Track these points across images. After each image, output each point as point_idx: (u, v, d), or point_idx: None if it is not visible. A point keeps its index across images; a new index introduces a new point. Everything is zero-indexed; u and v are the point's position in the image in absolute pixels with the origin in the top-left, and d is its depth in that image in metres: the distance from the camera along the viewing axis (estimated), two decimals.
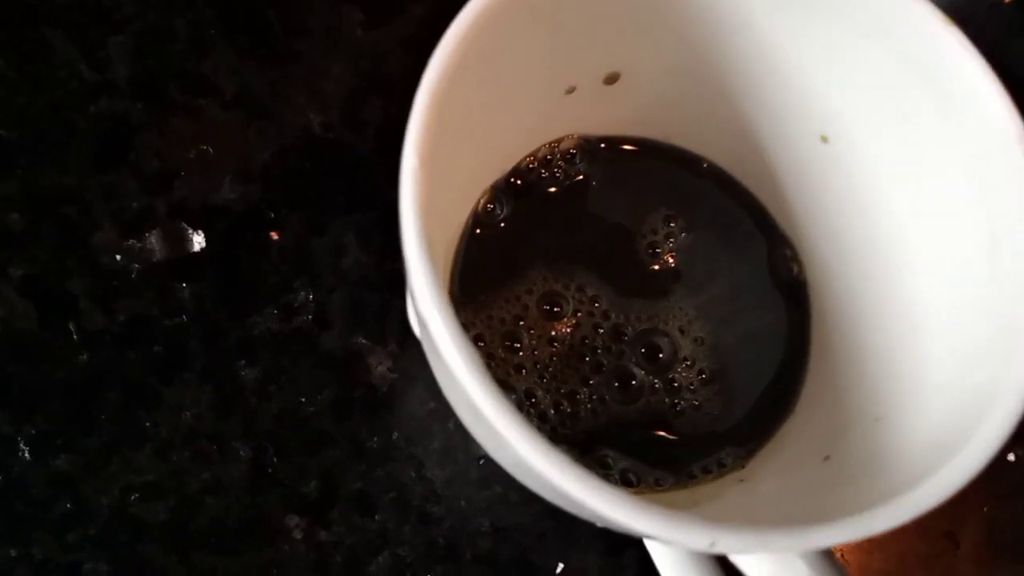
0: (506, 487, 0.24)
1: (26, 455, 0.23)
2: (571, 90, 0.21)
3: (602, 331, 0.21)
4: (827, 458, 0.19)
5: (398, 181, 0.15)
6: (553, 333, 0.21)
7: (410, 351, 0.25)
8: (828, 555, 0.16)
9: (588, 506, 0.13)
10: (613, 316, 0.21)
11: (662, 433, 0.21)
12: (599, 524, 0.17)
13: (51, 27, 0.28)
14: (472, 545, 0.24)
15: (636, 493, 0.20)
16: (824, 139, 0.21)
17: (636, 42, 0.21)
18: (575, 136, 0.23)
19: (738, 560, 0.17)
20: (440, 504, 0.24)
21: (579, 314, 0.21)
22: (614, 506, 0.13)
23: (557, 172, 0.23)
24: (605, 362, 0.21)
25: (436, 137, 0.16)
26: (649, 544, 0.21)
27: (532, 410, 0.20)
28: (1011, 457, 0.26)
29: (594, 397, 0.21)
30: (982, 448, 0.15)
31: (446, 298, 0.14)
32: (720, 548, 0.14)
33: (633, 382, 0.21)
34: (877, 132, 0.20)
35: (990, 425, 0.15)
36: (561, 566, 0.24)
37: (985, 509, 0.26)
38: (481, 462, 0.24)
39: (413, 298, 0.15)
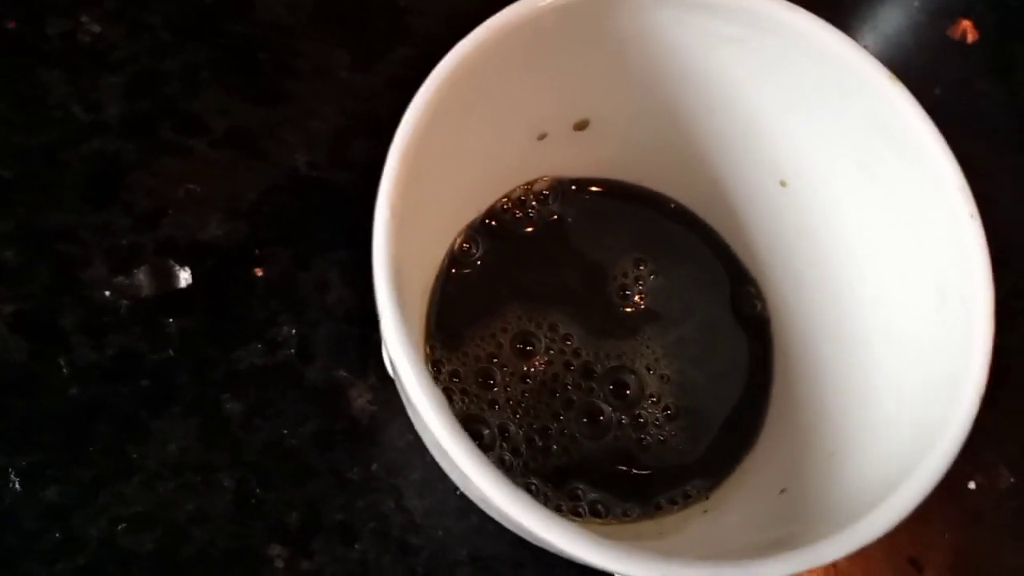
0: (483, 518, 0.25)
1: (17, 486, 0.24)
2: (543, 136, 0.22)
3: (573, 368, 0.22)
4: (784, 491, 0.20)
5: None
6: (526, 370, 0.22)
7: (390, 385, 0.26)
8: None
9: (546, 540, 0.14)
10: (583, 354, 0.22)
11: (629, 467, 0.22)
12: (564, 556, 0.17)
13: (47, 68, 0.29)
14: (450, 574, 0.25)
15: (604, 524, 0.21)
16: (783, 184, 0.22)
17: (604, 91, 0.22)
18: (548, 178, 0.24)
19: None
20: (419, 534, 0.25)
21: (551, 352, 0.22)
22: (571, 541, 0.14)
23: (531, 212, 0.24)
24: (575, 398, 0.22)
25: (409, 187, 0.17)
26: None
27: (505, 444, 0.21)
28: (972, 485, 0.27)
29: (565, 432, 0.22)
30: (919, 485, 0.16)
31: (416, 349, 0.15)
32: None
33: (601, 418, 0.22)
34: (834, 179, 0.21)
35: (928, 464, 0.16)
36: None
37: (948, 535, 0.27)
38: (459, 493, 0.25)
39: (386, 346, 0.15)
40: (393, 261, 0.15)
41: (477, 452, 0.14)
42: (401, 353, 0.15)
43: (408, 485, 0.25)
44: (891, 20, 0.33)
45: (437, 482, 0.25)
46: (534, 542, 0.17)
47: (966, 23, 0.33)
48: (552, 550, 0.16)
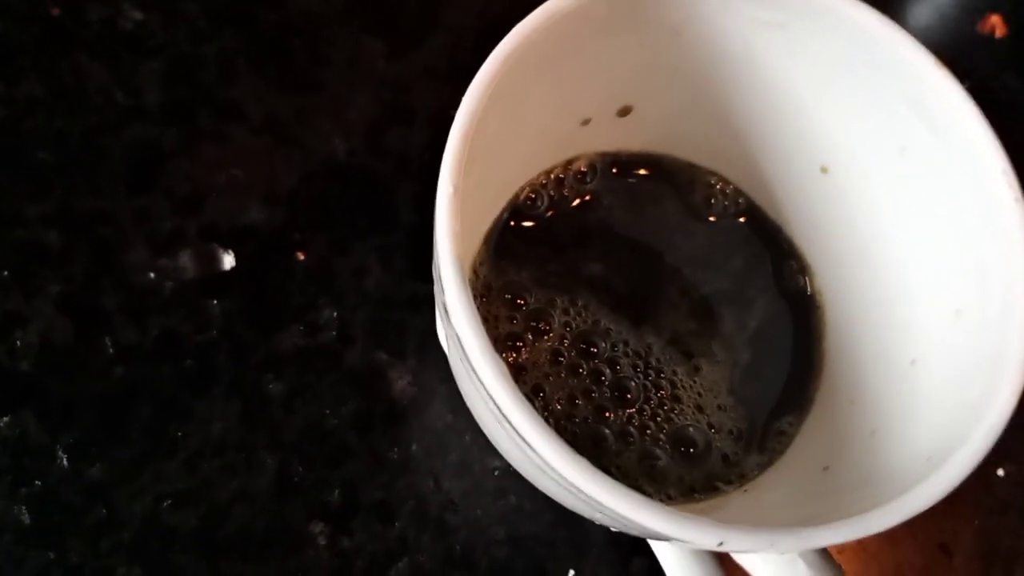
0: (520, 498, 0.25)
1: (63, 463, 0.25)
2: (586, 122, 0.23)
3: (626, 358, 0.22)
4: (826, 468, 0.20)
5: (429, 206, 0.17)
6: (560, 355, 0.23)
7: (429, 367, 0.26)
8: (826, 554, 0.18)
9: (610, 508, 0.14)
10: (624, 337, 0.23)
11: (683, 448, 0.22)
12: (614, 528, 0.18)
13: (87, 55, 0.30)
14: (487, 554, 0.25)
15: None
16: (824, 170, 0.22)
17: (648, 78, 0.22)
18: (588, 155, 0.24)
19: (742, 559, 0.18)
20: (457, 514, 0.25)
21: (577, 328, 0.23)
22: (634, 509, 0.14)
23: (566, 192, 0.24)
24: (612, 377, 0.22)
25: (466, 166, 0.17)
26: (655, 545, 0.22)
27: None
28: (1001, 472, 0.27)
29: (602, 409, 0.22)
30: (968, 458, 0.16)
31: (478, 316, 0.15)
32: (728, 547, 0.15)
33: (650, 398, 0.22)
34: (875, 164, 0.21)
35: (975, 439, 0.16)
36: (572, 574, 0.25)
37: (977, 522, 0.27)
38: (496, 473, 0.25)
39: (447, 315, 0.16)
40: (456, 237, 0.16)
41: (540, 419, 0.15)
42: (467, 327, 0.15)
43: (446, 466, 0.26)
44: (920, 14, 0.33)
45: (475, 463, 0.26)
46: (585, 511, 0.17)
47: (995, 18, 0.33)
48: (607, 518, 0.16)
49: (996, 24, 0.33)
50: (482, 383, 0.15)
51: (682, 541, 0.15)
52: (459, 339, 0.15)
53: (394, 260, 0.28)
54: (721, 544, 0.15)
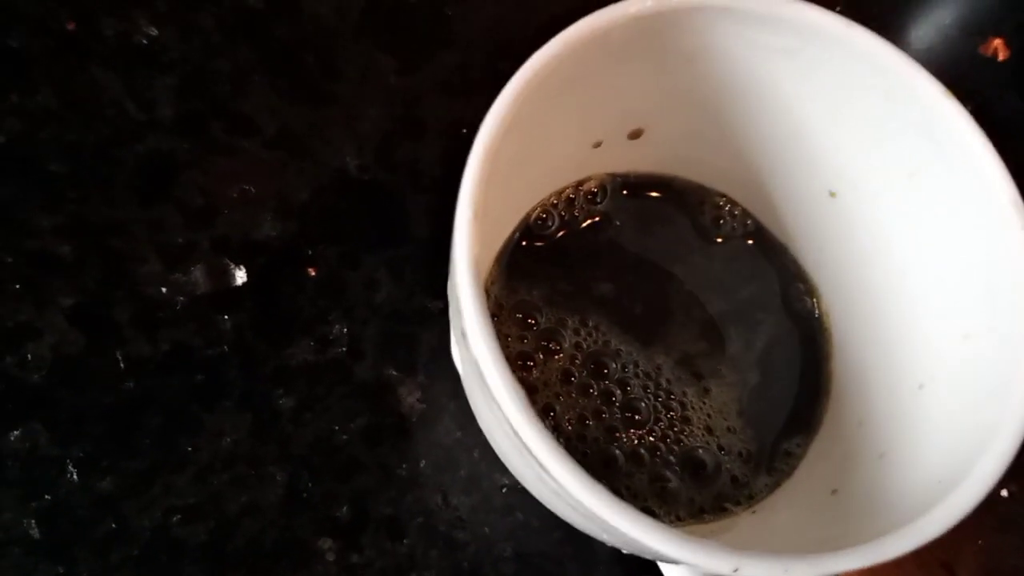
0: (528, 515, 0.25)
1: (73, 477, 0.25)
2: (598, 144, 0.23)
3: (637, 379, 0.23)
4: (835, 492, 0.20)
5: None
6: (570, 375, 0.23)
7: (438, 382, 0.26)
8: None
9: (630, 536, 0.14)
10: (642, 364, 0.23)
11: (691, 471, 0.22)
12: (626, 551, 0.18)
13: (101, 68, 0.30)
14: (495, 570, 0.25)
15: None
16: (832, 195, 0.23)
17: (660, 102, 0.22)
18: (598, 176, 0.24)
19: None
20: (465, 530, 0.25)
21: (584, 347, 0.23)
22: (654, 536, 0.14)
23: (577, 212, 0.24)
24: (644, 405, 0.22)
25: (485, 190, 0.17)
26: (665, 568, 0.22)
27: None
28: (1004, 493, 0.28)
29: (615, 431, 0.22)
30: (980, 483, 0.16)
31: (497, 344, 0.15)
32: (743, 573, 0.15)
33: (659, 422, 0.22)
34: (883, 189, 0.22)
35: (986, 463, 0.17)
36: None
37: (980, 541, 0.27)
38: (504, 490, 0.26)
39: (465, 340, 0.16)
40: (475, 260, 0.16)
41: (559, 447, 0.15)
42: (485, 350, 0.15)
43: (455, 482, 0.26)
44: (923, 37, 0.33)
45: (483, 479, 0.26)
46: (597, 533, 0.17)
47: (997, 41, 0.33)
48: (620, 541, 0.17)
49: (998, 47, 0.33)
50: (500, 409, 0.15)
51: (696, 566, 0.15)
52: (478, 364, 0.16)
53: (404, 274, 0.28)
54: (736, 570, 0.15)
